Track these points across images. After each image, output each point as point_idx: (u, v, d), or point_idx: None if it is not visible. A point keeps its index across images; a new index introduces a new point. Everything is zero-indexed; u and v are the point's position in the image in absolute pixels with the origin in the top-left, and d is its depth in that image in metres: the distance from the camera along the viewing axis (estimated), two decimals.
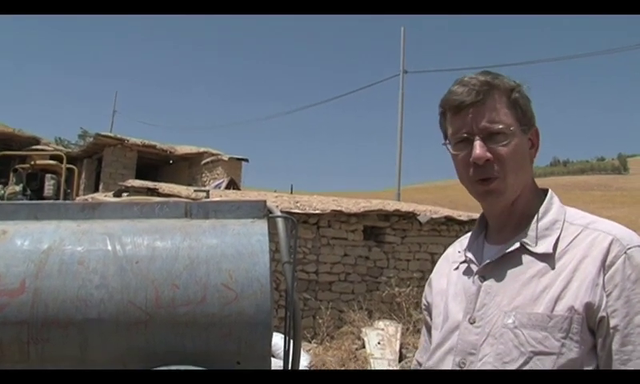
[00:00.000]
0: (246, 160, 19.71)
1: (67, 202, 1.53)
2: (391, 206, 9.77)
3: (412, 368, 1.60)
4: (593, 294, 1.17)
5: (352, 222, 9.13)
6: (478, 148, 1.28)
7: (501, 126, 1.28)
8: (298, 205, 8.84)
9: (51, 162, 14.34)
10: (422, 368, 1.45)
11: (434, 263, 8.29)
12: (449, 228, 9.82)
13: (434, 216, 9.68)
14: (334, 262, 8.93)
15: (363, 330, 8.20)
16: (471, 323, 1.29)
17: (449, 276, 1.44)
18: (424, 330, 1.58)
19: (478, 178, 1.31)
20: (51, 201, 1.73)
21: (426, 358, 1.42)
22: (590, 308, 1.17)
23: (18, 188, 13.36)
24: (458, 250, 1.46)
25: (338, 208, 8.96)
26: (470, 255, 1.39)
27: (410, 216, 9.52)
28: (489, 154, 1.28)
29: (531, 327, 1.19)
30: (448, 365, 1.30)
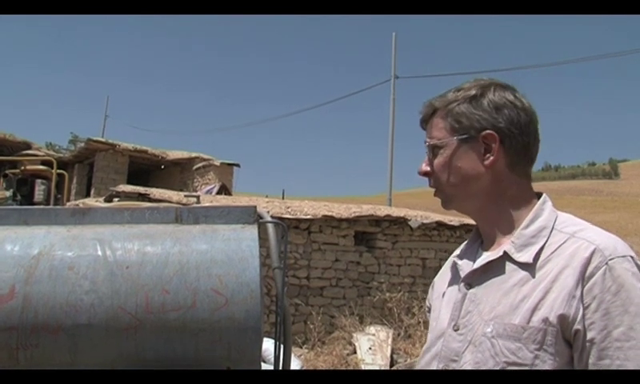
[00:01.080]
0: (238, 165, 19.70)
1: (57, 207, 1.53)
2: (382, 211, 9.79)
3: None
4: (568, 306, 1.16)
5: (343, 228, 9.14)
6: (423, 163, 1.40)
7: (433, 141, 1.37)
8: (290, 210, 8.84)
9: (42, 167, 14.28)
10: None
11: (425, 268, 8.35)
12: (440, 233, 9.84)
13: (425, 221, 9.71)
14: (325, 267, 8.93)
15: (354, 335, 8.20)
16: (455, 330, 1.29)
17: (447, 280, 1.46)
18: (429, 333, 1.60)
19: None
20: (41, 206, 1.73)
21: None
22: (564, 320, 1.15)
23: (8, 193, 13.29)
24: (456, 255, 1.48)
25: (329, 213, 8.97)
26: (461, 262, 1.40)
27: (401, 221, 9.55)
28: (426, 168, 1.39)
29: (506, 337, 1.19)
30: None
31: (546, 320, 1.17)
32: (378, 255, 9.37)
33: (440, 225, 9.81)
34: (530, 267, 1.24)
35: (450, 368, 1.27)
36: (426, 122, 1.41)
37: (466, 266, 1.37)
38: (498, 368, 1.18)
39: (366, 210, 9.58)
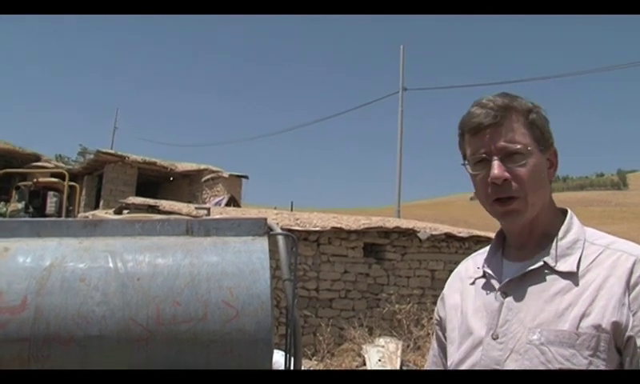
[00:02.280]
0: (246, 177, 19.75)
1: (69, 219, 1.54)
2: (391, 223, 9.77)
3: None
4: (620, 314, 1.18)
5: (352, 239, 9.13)
6: (497, 168, 1.30)
7: (518, 146, 1.30)
8: (298, 222, 8.85)
9: (53, 179, 14.38)
10: None
11: (434, 280, 8.32)
12: (449, 245, 9.81)
13: (434, 233, 9.68)
14: (334, 279, 8.92)
15: (364, 346, 8.17)
16: (494, 339, 1.29)
17: (463, 292, 1.44)
18: (434, 345, 1.58)
19: (495, 198, 1.32)
20: (53, 218, 1.74)
21: None
22: (617, 327, 1.17)
23: (21, 205, 13.38)
24: (474, 265, 1.47)
25: (338, 225, 8.97)
26: (489, 270, 1.39)
27: (410, 233, 9.53)
28: (507, 174, 1.29)
29: (558, 344, 1.20)
30: None
31: (598, 327, 1.18)
32: (387, 267, 9.35)
33: (449, 236, 9.78)
34: (572, 276, 1.26)
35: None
36: (494, 124, 1.31)
37: (495, 275, 1.37)
38: None
39: (375, 221, 9.57)
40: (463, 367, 1.33)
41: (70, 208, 14.22)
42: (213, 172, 19.78)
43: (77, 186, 14.73)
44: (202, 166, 20.35)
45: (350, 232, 9.04)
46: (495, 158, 1.31)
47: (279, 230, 1.51)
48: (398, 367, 7.59)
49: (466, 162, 1.38)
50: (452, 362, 1.38)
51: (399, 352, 7.92)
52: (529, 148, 1.30)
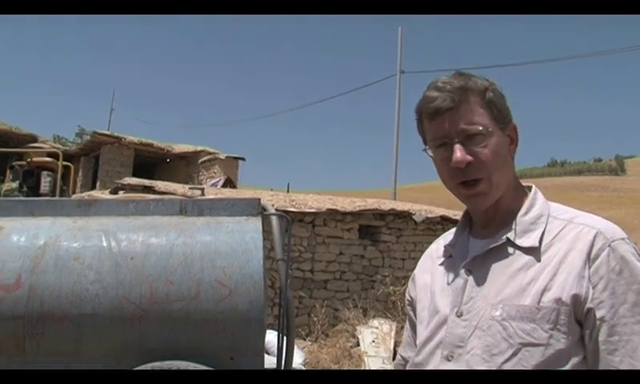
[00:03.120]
0: (243, 159, 19.72)
1: (63, 198, 1.55)
2: (387, 205, 9.79)
3: (396, 364, 1.61)
4: (579, 286, 1.19)
5: (347, 221, 9.15)
6: (458, 152, 1.29)
7: (480, 128, 1.29)
8: (294, 203, 8.86)
9: (47, 159, 14.31)
10: (408, 364, 1.45)
11: None
12: (444, 227, 9.83)
13: (430, 215, 9.71)
14: (329, 260, 8.95)
15: (358, 328, 8.22)
16: (458, 316, 1.30)
17: (433, 272, 1.45)
18: (407, 326, 1.59)
19: (459, 181, 1.33)
20: (47, 198, 1.74)
21: (413, 354, 1.43)
22: (577, 300, 1.19)
23: (15, 185, 13.33)
24: (442, 245, 1.48)
25: (334, 207, 8.98)
26: (455, 250, 1.40)
27: (406, 215, 9.55)
28: (468, 157, 1.29)
29: (519, 319, 1.21)
30: (437, 359, 1.32)
31: (558, 300, 1.19)
32: (382, 249, 9.38)
33: (444, 219, 9.81)
34: (534, 251, 1.27)
35: (455, 354, 1.28)
36: (451, 108, 1.30)
37: (461, 254, 1.38)
38: (512, 350, 1.20)
39: (371, 203, 9.59)
40: (430, 346, 1.35)
41: (64, 188, 14.17)
42: (209, 154, 19.74)
43: (71, 165, 14.67)
44: (199, 148, 20.30)
45: (345, 214, 9.05)
46: (456, 141, 1.30)
47: (273, 211, 1.51)
48: (391, 348, 7.65)
49: (427, 147, 1.38)
50: (420, 341, 1.40)
51: (393, 333, 7.98)
52: (489, 128, 1.30)
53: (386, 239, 9.44)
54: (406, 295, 1.59)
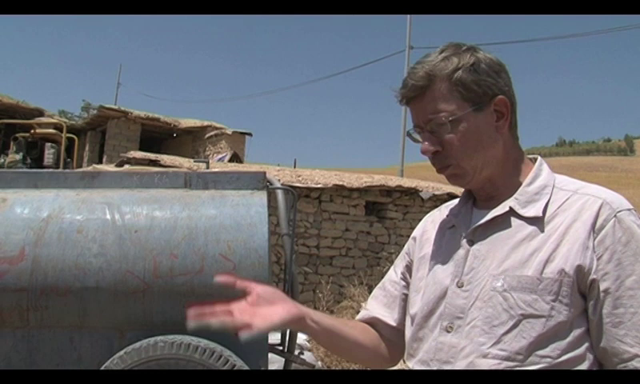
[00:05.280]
0: (250, 134, 19.67)
1: (67, 170, 1.53)
2: (393, 181, 9.76)
3: (362, 317, 1.58)
4: (583, 257, 1.17)
5: (354, 197, 9.14)
6: (425, 141, 1.31)
7: (442, 115, 1.28)
8: (300, 179, 8.84)
9: (51, 130, 14.30)
10: (408, 338, 1.42)
11: None
12: None
13: (437, 192, 9.68)
14: (335, 236, 8.95)
15: (363, 304, 8.22)
16: (459, 287, 1.28)
17: (434, 241, 1.43)
18: (386, 285, 1.54)
19: (436, 168, 1.34)
20: (51, 170, 1.73)
21: (412, 326, 1.39)
22: (580, 271, 1.17)
23: (18, 156, 13.34)
24: (445, 214, 1.46)
25: (340, 183, 8.96)
26: (457, 220, 1.39)
27: (413, 192, 9.52)
28: (432, 148, 1.30)
29: (521, 290, 1.19)
30: (436, 331, 1.30)
31: (561, 271, 1.17)
32: (388, 226, 9.38)
33: (451, 196, 9.77)
34: (538, 222, 1.25)
35: (455, 325, 1.26)
36: (418, 96, 1.31)
37: (464, 224, 1.36)
38: (512, 321, 1.18)
39: (377, 180, 9.56)
40: (433, 319, 1.33)
41: (69, 160, 14.16)
42: (216, 128, 19.69)
43: (75, 138, 14.66)
44: (206, 123, 20.25)
45: (351, 190, 9.04)
46: (425, 130, 1.31)
47: (279, 185, 1.50)
48: None
49: (411, 131, 1.38)
50: (415, 312, 1.37)
51: None
52: (455, 114, 1.28)
53: (393, 216, 9.43)
54: (405, 248, 1.56)
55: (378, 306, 1.53)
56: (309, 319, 1.33)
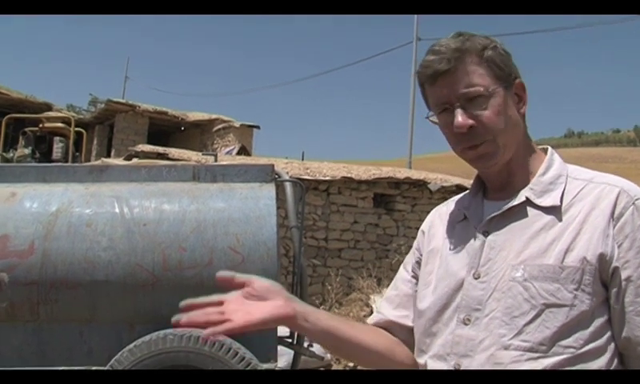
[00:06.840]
0: (258, 127, 19.66)
1: (76, 164, 1.53)
2: (402, 173, 9.73)
3: (375, 321, 1.55)
4: (604, 245, 1.15)
5: (362, 189, 9.12)
6: (459, 116, 1.25)
7: (480, 89, 1.24)
8: (308, 171, 8.84)
9: (59, 124, 14.33)
10: (419, 333, 1.41)
11: None
12: None
13: (445, 184, 9.65)
14: (343, 229, 8.94)
15: (372, 297, 8.25)
16: (476, 278, 1.27)
17: (444, 234, 1.42)
18: (397, 284, 1.51)
19: (465, 146, 1.29)
20: (59, 164, 1.73)
21: (423, 320, 1.38)
22: (602, 258, 1.15)
23: (27, 151, 13.38)
24: (453, 207, 1.44)
25: (349, 175, 8.95)
26: (469, 212, 1.37)
27: (421, 184, 9.50)
28: (470, 121, 1.24)
29: (542, 279, 1.17)
30: (452, 324, 1.29)
31: (583, 259, 1.16)
32: (396, 218, 9.36)
33: (459, 188, 9.73)
34: (555, 211, 1.23)
35: (472, 318, 1.25)
36: (449, 71, 1.26)
37: (476, 216, 1.34)
38: (535, 311, 1.17)
39: (386, 172, 9.54)
40: (447, 313, 1.31)
41: (77, 154, 14.19)
42: (224, 122, 19.69)
43: (84, 131, 14.68)
44: (214, 116, 20.24)
45: (360, 182, 9.02)
46: (457, 105, 1.25)
47: (287, 177, 1.49)
48: None
49: (430, 114, 1.35)
50: (427, 307, 1.36)
51: None
52: (490, 88, 1.25)
53: (401, 208, 9.41)
54: (415, 244, 1.54)
55: (392, 307, 1.50)
56: (301, 319, 1.29)
